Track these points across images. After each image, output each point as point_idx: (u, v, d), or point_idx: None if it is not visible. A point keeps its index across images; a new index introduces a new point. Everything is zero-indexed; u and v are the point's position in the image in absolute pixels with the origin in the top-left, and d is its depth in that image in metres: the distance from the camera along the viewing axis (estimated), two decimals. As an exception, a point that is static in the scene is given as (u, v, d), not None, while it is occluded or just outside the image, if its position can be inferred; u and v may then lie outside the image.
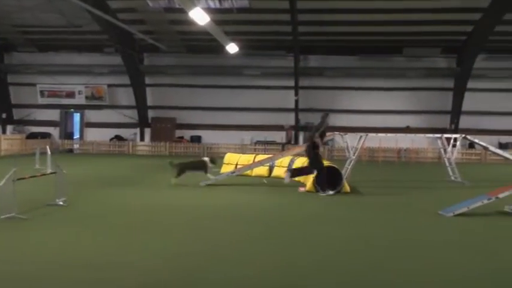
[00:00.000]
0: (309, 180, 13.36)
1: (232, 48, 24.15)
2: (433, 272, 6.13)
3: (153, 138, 31.88)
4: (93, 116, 32.78)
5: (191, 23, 19.85)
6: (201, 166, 15.03)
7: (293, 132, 30.06)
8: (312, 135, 13.22)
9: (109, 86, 32.11)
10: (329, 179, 12.95)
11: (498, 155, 18.90)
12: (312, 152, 13.00)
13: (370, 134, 16.65)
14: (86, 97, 32.50)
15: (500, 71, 29.20)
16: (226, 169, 16.96)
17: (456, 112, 29.16)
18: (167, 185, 14.20)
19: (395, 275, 5.99)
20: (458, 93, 28.96)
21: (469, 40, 27.34)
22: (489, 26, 25.13)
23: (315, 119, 29.84)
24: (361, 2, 23.89)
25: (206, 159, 15.23)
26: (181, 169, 14.64)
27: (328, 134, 15.15)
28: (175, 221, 9.00)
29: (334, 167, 13.33)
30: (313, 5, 24.56)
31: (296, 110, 29.98)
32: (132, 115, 31.96)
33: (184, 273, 5.82)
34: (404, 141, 25.88)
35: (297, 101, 29.79)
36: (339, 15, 25.39)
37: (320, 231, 8.35)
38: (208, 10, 20.63)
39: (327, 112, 13.69)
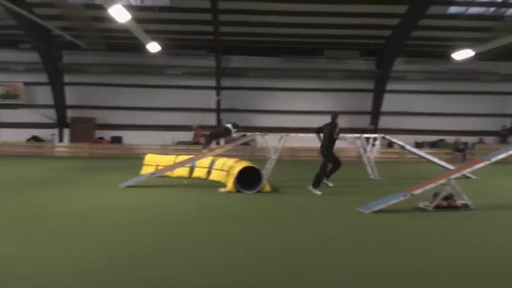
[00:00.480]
0: (229, 180, 13.29)
1: (153, 47, 23.71)
2: (349, 268, 6.19)
3: (72, 139, 30.87)
4: (8, 115, 31.19)
5: (112, 20, 19.28)
6: (224, 133, 17.16)
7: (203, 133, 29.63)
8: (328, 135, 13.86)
9: (26, 84, 30.80)
10: (249, 179, 13.00)
11: (414, 153, 19.67)
12: (326, 150, 13.85)
13: (291, 134, 16.86)
14: (1, 96, 31.05)
15: (417, 73, 30.30)
16: (146, 170, 16.61)
17: (376, 113, 30.03)
18: (85, 187, 13.77)
19: (310, 273, 6.00)
20: (378, 95, 29.85)
21: (388, 44, 28.18)
22: (406, 31, 26.04)
23: (237, 119, 29.94)
24: (282, 4, 24.00)
25: (229, 125, 16.45)
26: (208, 138, 16.87)
27: (249, 134, 15.67)
28: (94, 224, 8.68)
29: (254, 167, 13.33)
30: (235, 6, 24.49)
31: (218, 110, 29.89)
32: (50, 115, 30.79)
33: (104, 278, 5.58)
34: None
35: (218, 102, 29.72)
36: (260, 17, 25.45)
37: (240, 230, 8.33)
38: (130, 8, 20.18)
39: (336, 112, 14.48)
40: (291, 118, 29.18)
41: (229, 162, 15.10)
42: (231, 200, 11.77)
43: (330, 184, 14.64)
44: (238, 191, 12.84)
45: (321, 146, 14.06)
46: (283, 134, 16.36)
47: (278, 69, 30.04)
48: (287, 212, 10.53)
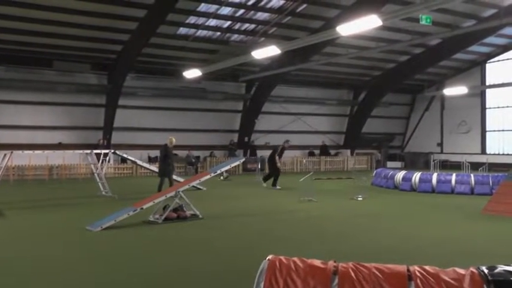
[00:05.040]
0: None
1: None
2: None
3: None
4: None
5: None
6: None
7: None
8: (273, 154, 20.29)
9: None
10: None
11: (146, 168, 20.13)
12: (271, 163, 20.47)
13: (16, 152, 15.77)
14: None
15: (149, 89, 30.74)
16: None
17: (108, 128, 29.58)
18: None
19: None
20: (110, 110, 29.44)
21: (119, 59, 28.06)
22: (137, 47, 26.25)
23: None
24: (4, 7, 21.97)
25: None
26: None
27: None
28: None
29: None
30: None
31: None
32: None
33: None
34: (57, 157, 25.26)
35: None
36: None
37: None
38: None
39: (287, 140, 21.33)
40: (17, 133, 27.11)
41: None
42: None
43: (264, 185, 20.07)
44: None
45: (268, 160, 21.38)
46: (8, 152, 15.24)
47: (2, 79, 27.50)
48: (7, 237, 9.76)
